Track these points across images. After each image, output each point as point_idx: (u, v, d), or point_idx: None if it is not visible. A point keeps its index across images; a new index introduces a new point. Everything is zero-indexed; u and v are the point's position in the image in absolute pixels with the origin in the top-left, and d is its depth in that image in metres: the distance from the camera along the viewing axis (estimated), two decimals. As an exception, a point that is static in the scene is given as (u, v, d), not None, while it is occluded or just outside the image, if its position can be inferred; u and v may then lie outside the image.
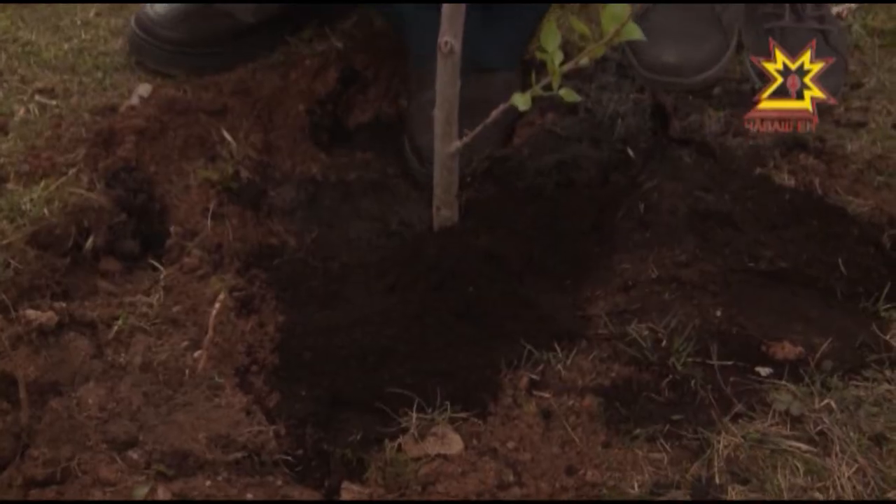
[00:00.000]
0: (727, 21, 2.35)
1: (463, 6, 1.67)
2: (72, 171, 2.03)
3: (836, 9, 2.43)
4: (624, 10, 1.55)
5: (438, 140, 1.81)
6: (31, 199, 1.94)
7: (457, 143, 1.80)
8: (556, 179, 1.99)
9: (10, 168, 2.04)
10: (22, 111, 2.20)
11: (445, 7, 1.67)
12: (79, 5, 2.46)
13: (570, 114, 2.06)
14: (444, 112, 1.77)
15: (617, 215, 1.97)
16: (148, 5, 2.36)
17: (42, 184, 1.98)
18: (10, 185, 2.00)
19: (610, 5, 1.57)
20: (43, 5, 2.45)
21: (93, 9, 2.46)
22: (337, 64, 2.33)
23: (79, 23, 2.42)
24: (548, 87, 1.63)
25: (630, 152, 2.04)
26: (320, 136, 2.21)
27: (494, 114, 1.72)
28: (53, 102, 2.22)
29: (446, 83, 1.75)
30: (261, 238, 1.96)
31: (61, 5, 2.46)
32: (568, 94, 1.64)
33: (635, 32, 1.56)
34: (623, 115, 2.07)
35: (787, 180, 2.06)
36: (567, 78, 1.65)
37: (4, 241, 1.86)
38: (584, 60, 1.61)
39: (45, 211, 1.93)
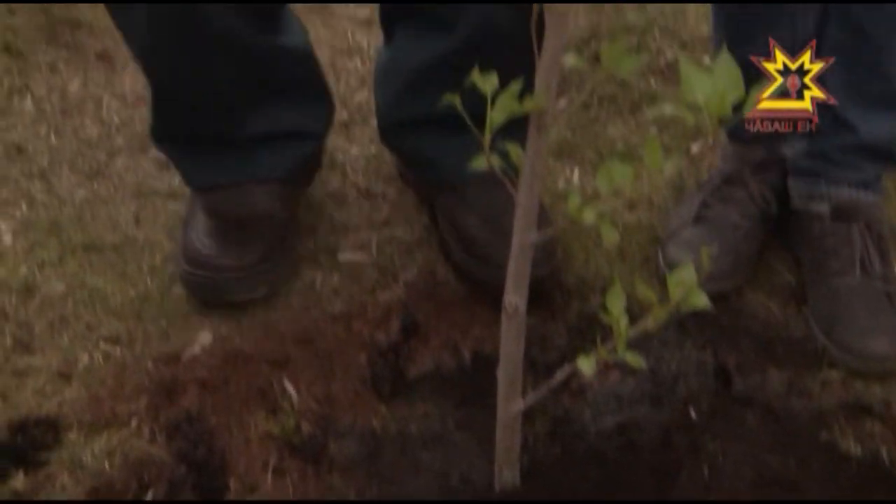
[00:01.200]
0: None
1: (528, 273, 1.67)
2: (134, 422, 2.04)
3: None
4: (690, 275, 1.55)
5: (501, 401, 1.80)
6: (93, 452, 1.95)
7: (520, 404, 1.79)
8: (616, 443, 1.99)
9: (73, 417, 2.05)
10: (86, 358, 2.22)
11: (512, 266, 1.67)
12: (146, 252, 2.50)
13: (631, 373, 2.06)
14: (508, 373, 1.76)
15: (679, 479, 1.95)
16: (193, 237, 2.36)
17: (104, 435, 1.99)
18: (72, 436, 2.01)
19: (676, 271, 1.57)
20: (111, 251, 2.49)
21: (158, 254, 2.49)
22: (399, 314, 2.34)
23: (145, 269, 2.46)
24: (612, 350, 1.63)
25: (692, 413, 2.03)
26: (381, 388, 2.20)
27: (559, 375, 1.72)
28: (117, 350, 2.24)
29: (511, 343, 1.74)
30: (321, 494, 1.95)
31: (129, 252, 2.49)
32: (634, 360, 1.63)
33: (701, 300, 1.56)
34: (685, 374, 2.07)
35: (854, 448, 2.03)
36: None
37: (65, 497, 1.86)
38: (649, 324, 1.61)
39: (106, 464, 1.93)
